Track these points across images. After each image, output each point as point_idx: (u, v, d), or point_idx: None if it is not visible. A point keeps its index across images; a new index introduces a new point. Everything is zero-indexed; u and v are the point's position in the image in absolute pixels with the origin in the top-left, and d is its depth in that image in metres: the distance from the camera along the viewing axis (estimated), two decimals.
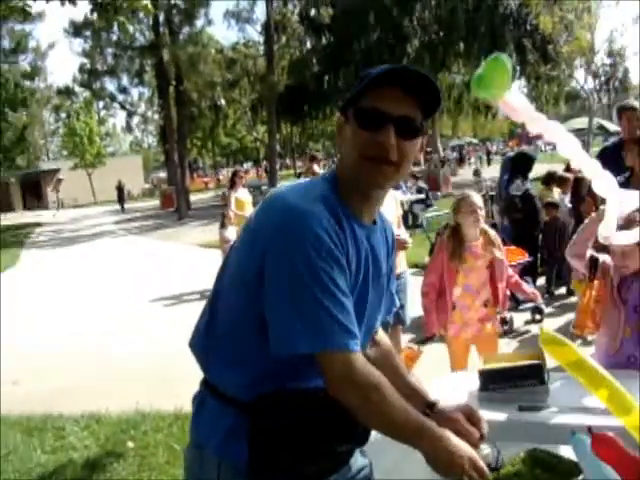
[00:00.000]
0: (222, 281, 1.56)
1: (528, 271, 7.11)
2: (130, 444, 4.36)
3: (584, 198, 6.25)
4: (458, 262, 4.04)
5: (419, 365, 3.85)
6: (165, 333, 7.47)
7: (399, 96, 1.42)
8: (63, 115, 47.79)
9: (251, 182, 25.08)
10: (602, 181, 2.85)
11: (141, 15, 26.49)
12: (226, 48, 32.88)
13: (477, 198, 4.13)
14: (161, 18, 26.51)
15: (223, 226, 9.34)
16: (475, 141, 51.80)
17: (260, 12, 30.75)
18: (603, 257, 3.19)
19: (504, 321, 6.68)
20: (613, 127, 33.27)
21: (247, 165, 63.39)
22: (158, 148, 51.27)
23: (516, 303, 6.86)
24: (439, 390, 2.83)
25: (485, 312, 4.13)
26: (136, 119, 38.00)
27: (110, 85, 32.74)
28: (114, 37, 28.43)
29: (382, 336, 1.80)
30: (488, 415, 2.56)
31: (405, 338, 5.91)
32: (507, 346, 6.11)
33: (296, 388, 1.46)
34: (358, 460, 1.68)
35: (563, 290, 7.72)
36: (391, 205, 4.55)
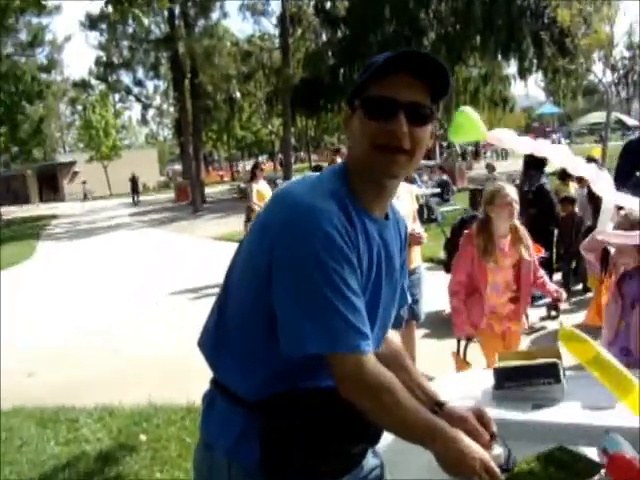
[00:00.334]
0: (231, 277, 1.53)
1: (544, 267, 7.02)
2: (143, 437, 4.37)
3: None
4: (489, 259, 3.84)
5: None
6: (179, 326, 7.48)
7: (407, 82, 1.38)
8: (79, 108, 48.03)
9: (266, 175, 25.06)
10: (599, 182, 2.92)
11: (156, 8, 26.58)
12: (241, 41, 32.84)
13: (512, 190, 3.86)
14: (177, 11, 26.54)
15: (249, 220, 9.19)
16: None
17: (275, 4, 30.90)
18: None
19: None
20: (631, 121, 32.94)
21: (262, 158, 63.31)
22: (173, 141, 51.48)
23: (532, 299, 6.79)
24: (453, 388, 2.81)
25: (512, 309, 3.98)
26: (151, 112, 38.25)
27: (126, 78, 32.93)
28: (130, 30, 28.56)
29: (392, 335, 1.76)
30: (502, 414, 2.54)
31: (419, 333, 5.88)
32: (523, 342, 6.05)
33: (309, 387, 1.44)
34: (370, 460, 1.66)
35: (580, 286, 7.64)
36: (407, 199, 4.49)
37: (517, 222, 3.95)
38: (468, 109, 2.90)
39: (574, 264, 7.75)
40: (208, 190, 32.40)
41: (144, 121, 37.63)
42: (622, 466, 1.48)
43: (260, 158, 62.63)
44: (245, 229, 9.38)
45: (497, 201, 3.80)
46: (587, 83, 34.69)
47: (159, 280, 11.00)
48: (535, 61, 25.55)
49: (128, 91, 33.24)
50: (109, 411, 4.92)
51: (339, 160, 9.01)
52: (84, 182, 43.72)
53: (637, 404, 1.65)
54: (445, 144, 32.79)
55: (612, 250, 3.31)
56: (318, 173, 1.54)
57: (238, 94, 33.37)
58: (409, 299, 1.78)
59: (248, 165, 54.96)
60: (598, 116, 31.62)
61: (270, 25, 33.41)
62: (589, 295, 6.95)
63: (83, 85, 35.93)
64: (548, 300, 6.73)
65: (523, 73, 26.63)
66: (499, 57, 27.06)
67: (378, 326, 1.54)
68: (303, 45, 30.59)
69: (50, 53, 37.33)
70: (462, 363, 3.99)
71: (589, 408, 2.52)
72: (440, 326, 6.17)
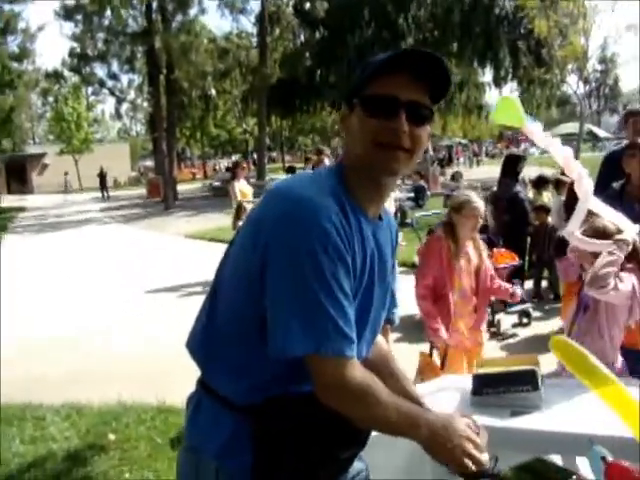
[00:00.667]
0: (221, 278, 1.49)
1: (516, 274, 7.10)
2: (111, 436, 4.29)
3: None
4: (459, 260, 3.89)
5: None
6: (149, 324, 7.40)
7: (407, 81, 1.38)
8: (51, 99, 47.24)
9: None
10: (584, 183, 3.12)
11: (134, 1, 26.31)
12: (219, 38, 32.65)
13: (481, 204, 3.96)
14: (154, 5, 26.26)
15: (238, 218, 9.03)
16: (464, 141, 51.90)
17: (254, 3, 30.72)
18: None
19: (491, 324, 6.70)
20: (602, 133, 33.58)
21: (235, 157, 63.12)
22: (146, 136, 50.97)
23: (504, 306, 6.85)
24: (430, 393, 2.80)
25: (474, 319, 4.02)
26: (125, 106, 37.64)
27: (100, 71, 32.37)
28: (106, 22, 28.14)
29: (379, 339, 1.75)
30: (481, 420, 2.53)
31: (392, 337, 5.88)
32: (494, 349, 6.10)
33: (301, 391, 1.41)
34: (355, 464, 1.64)
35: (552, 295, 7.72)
36: (388, 202, 4.49)
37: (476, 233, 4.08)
38: (513, 97, 3.22)
39: (546, 272, 7.83)
40: (180, 187, 32.09)
41: (118, 115, 37.04)
42: (620, 474, 1.48)
43: (233, 157, 62.41)
44: (234, 227, 9.19)
45: (465, 211, 3.87)
46: (560, 94, 35.22)
47: (129, 278, 10.85)
48: (511, 70, 25.86)
49: (102, 84, 32.69)
50: (77, 409, 4.82)
51: (326, 160, 9.06)
52: (66, 173, 43.09)
53: (636, 423, 1.65)
54: None
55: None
56: (311, 171, 1.52)
57: (213, 91, 33.15)
58: (397, 303, 1.77)
59: (222, 163, 54.76)
60: (570, 127, 32.16)
61: (248, 23, 33.22)
62: (561, 304, 7.02)
63: (56, 76, 35.31)
64: (521, 307, 6.82)
65: (498, 81, 26.95)
66: (475, 64, 27.32)
67: (369, 329, 1.52)
68: (281, 45, 30.50)
69: (22, 42, 36.68)
70: (433, 367, 3.98)
71: (567, 416, 2.54)
72: (412, 330, 6.20)
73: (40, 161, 49.23)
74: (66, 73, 34.81)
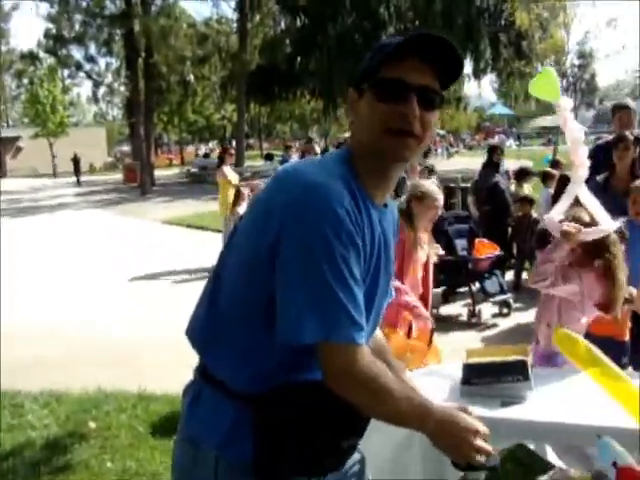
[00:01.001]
0: (226, 264, 1.45)
1: (497, 265, 7.14)
2: (92, 424, 4.23)
3: None
4: (414, 252, 3.90)
5: None
6: (129, 311, 7.31)
7: (418, 66, 1.36)
8: (26, 81, 46.37)
9: (216, 161, 24.80)
10: (579, 173, 3.17)
11: None
12: (199, 23, 32.29)
13: (441, 196, 4.03)
14: None
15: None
16: (442, 132, 52.17)
17: None
18: None
19: (472, 314, 6.75)
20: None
21: (212, 143, 62.61)
22: (123, 121, 50.31)
23: (485, 296, 6.90)
24: (421, 383, 2.79)
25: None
26: (102, 90, 37.14)
27: (77, 53, 31.91)
28: (83, 3, 27.65)
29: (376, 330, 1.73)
30: (471, 410, 2.54)
31: None
32: (474, 338, 6.14)
33: (304, 380, 1.38)
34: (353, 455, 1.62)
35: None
36: None
37: None
38: (552, 70, 3.25)
39: (527, 263, 7.89)
40: (157, 173, 31.79)
41: (95, 99, 36.54)
42: (632, 478, 1.47)
43: (210, 143, 61.95)
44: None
45: (427, 202, 3.91)
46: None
47: (107, 264, 10.71)
48: (491, 62, 25.92)
49: (78, 67, 32.23)
50: (56, 397, 4.74)
51: (317, 147, 8.93)
52: (54, 157, 42.34)
53: (637, 411, 1.65)
54: None
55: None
56: (318, 157, 1.49)
57: (192, 77, 32.78)
58: (393, 293, 1.75)
59: (200, 150, 54.27)
60: (548, 120, 32.44)
61: (229, 9, 32.92)
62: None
63: (31, 57, 34.73)
64: (501, 297, 6.87)
65: (478, 73, 26.98)
66: None
67: (373, 317, 1.50)
68: (261, 31, 30.18)
69: None
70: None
71: (556, 406, 2.54)
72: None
73: (14, 144, 48.34)
74: (42, 55, 34.26)
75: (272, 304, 1.31)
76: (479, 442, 1.35)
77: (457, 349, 3.79)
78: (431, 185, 4.11)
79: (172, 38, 26.38)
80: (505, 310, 6.87)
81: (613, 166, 4.67)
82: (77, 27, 29.46)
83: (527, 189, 8.80)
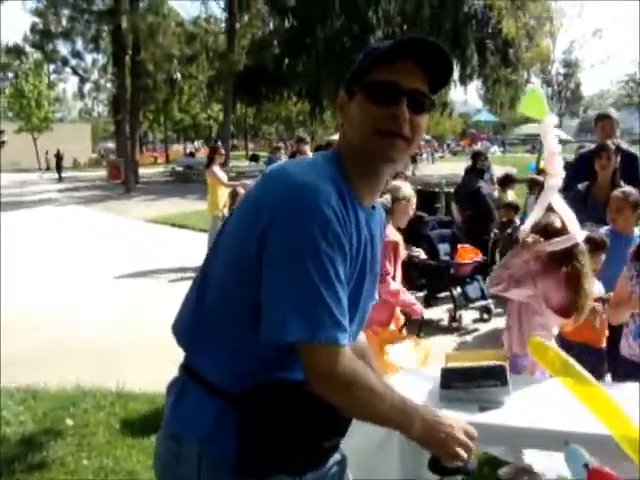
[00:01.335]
0: (213, 263, 1.46)
1: (479, 270, 7.18)
2: (69, 422, 4.19)
3: None
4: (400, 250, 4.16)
5: None
6: (108, 308, 7.26)
7: (410, 69, 1.37)
8: (10, 75, 45.98)
9: (201, 160, 24.73)
10: (551, 183, 3.27)
11: None
12: (187, 22, 32.18)
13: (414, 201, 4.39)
14: None
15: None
16: (428, 137, 52.40)
17: None
18: None
19: (453, 319, 6.78)
20: (563, 135, 34.16)
21: (198, 143, 62.43)
22: (108, 118, 49.94)
23: (466, 301, 6.94)
24: (399, 386, 2.80)
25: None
26: (88, 86, 36.85)
27: (63, 48, 31.66)
28: None
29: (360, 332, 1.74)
30: (448, 414, 2.56)
31: None
32: (455, 343, 6.18)
33: (289, 379, 1.39)
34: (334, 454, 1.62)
35: None
36: None
37: None
38: (540, 89, 3.55)
39: None
40: (141, 171, 31.60)
41: (80, 95, 36.27)
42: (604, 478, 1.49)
43: (196, 143, 61.77)
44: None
45: (406, 203, 4.27)
46: (524, 95, 35.71)
47: (88, 260, 10.64)
48: (477, 68, 26.09)
49: (65, 62, 31.99)
50: (33, 393, 4.69)
51: (307, 148, 8.89)
52: (47, 152, 41.95)
53: (615, 423, 1.67)
54: None
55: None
56: (309, 157, 1.50)
57: (179, 75, 32.65)
58: (376, 296, 1.75)
59: (187, 148, 54.05)
60: (532, 127, 32.63)
61: (217, 8, 32.81)
62: None
63: (16, 51, 34.42)
64: (482, 303, 6.91)
65: (464, 79, 27.13)
66: None
67: (357, 320, 1.51)
68: (249, 32, 30.14)
69: None
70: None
71: (533, 411, 2.56)
72: None
73: None
74: (27, 49, 33.95)
75: (257, 305, 1.31)
76: (463, 437, 1.37)
77: (437, 353, 3.81)
78: (409, 189, 4.40)
79: (160, 36, 26.26)
80: (486, 315, 6.91)
81: (595, 175, 4.71)
82: (64, 22, 29.27)
83: (511, 195, 8.86)
